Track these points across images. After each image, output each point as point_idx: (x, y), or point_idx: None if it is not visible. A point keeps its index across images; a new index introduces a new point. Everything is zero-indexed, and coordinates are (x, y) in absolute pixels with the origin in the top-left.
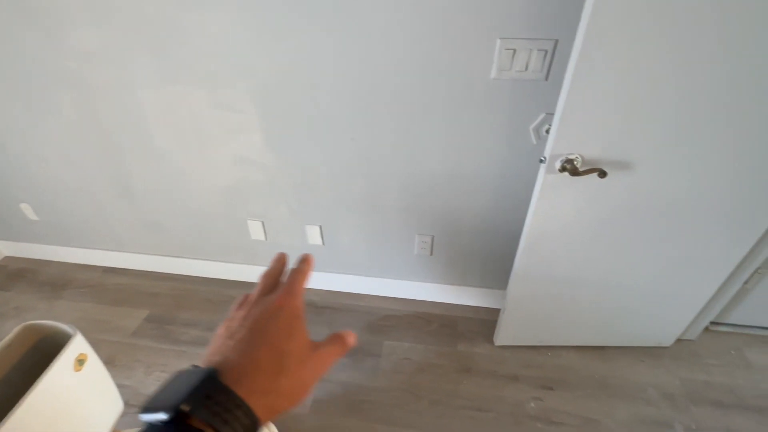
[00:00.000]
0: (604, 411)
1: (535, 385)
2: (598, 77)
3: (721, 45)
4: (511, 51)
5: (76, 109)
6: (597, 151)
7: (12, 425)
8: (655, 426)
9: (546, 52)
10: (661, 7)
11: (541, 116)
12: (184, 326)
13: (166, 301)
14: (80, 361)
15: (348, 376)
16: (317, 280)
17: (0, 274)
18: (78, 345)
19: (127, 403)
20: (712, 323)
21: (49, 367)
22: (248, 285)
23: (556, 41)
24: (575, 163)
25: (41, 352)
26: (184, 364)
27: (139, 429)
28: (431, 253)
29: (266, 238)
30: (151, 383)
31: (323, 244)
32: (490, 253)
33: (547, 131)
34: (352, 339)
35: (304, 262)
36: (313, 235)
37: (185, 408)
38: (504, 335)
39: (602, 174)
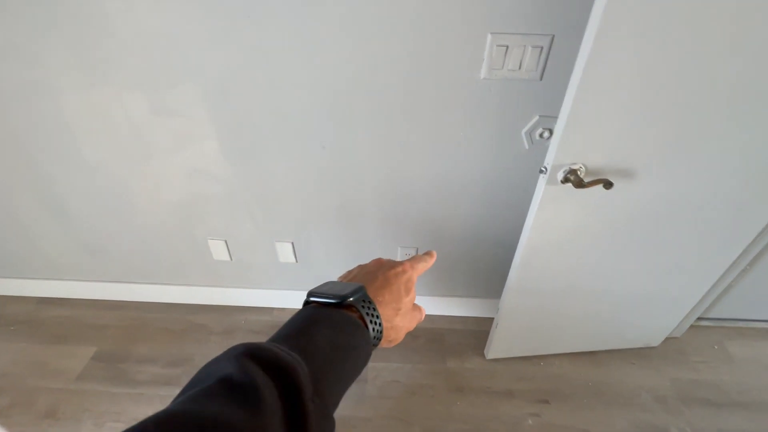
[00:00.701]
0: (603, 421)
1: (530, 400)
2: (608, 81)
3: (734, 50)
4: (504, 47)
5: None
6: (601, 159)
7: None
8: None
9: (541, 48)
10: (674, 11)
11: (535, 119)
12: (141, 363)
13: (116, 334)
14: None
15: None
16: (289, 300)
17: None
18: None
19: None
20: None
21: None
22: (216, 309)
23: (553, 37)
24: (579, 173)
25: None
26: (142, 411)
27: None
28: None
29: (231, 258)
30: None
31: (296, 261)
32: (477, 262)
33: (541, 135)
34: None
35: (429, 255)
36: (285, 253)
37: (350, 301)
38: (496, 349)
39: (608, 185)
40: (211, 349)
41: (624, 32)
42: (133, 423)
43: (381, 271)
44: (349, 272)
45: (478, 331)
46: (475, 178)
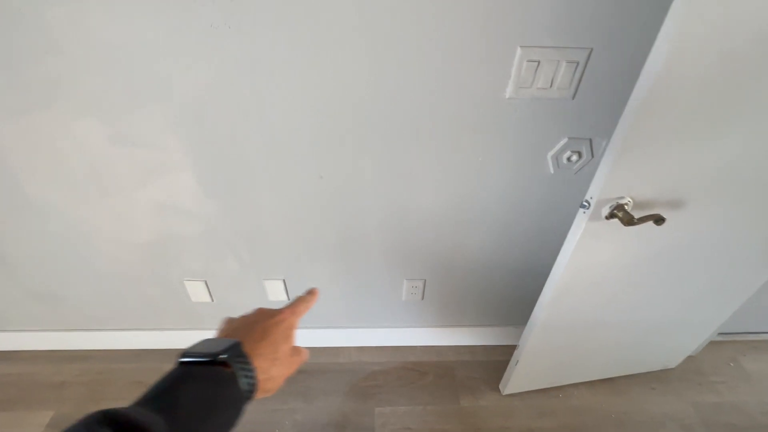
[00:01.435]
0: None
1: None
2: (670, 107)
3: None
4: (535, 63)
5: None
6: (650, 191)
7: None
8: None
9: (577, 64)
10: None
11: (563, 141)
12: None
13: (77, 393)
14: None
15: None
16: None
17: None
18: None
19: None
20: None
21: None
22: None
23: (591, 50)
24: (627, 208)
25: None
26: None
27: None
28: (422, 298)
29: (213, 299)
30: None
31: (288, 299)
32: (488, 290)
33: (569, 159)
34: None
35: (311, 294)
36: (275, 291)
37: (222, 358)
38: (513, 384)
39: (660, 221)
40: None
41: (703, 41)
42: None
43: (260, 322)
44: (231, 322)
45: (489, 361)
46: (490, 205)
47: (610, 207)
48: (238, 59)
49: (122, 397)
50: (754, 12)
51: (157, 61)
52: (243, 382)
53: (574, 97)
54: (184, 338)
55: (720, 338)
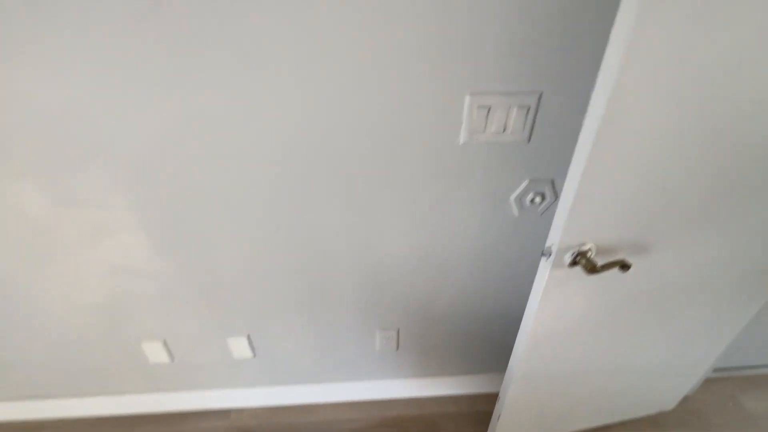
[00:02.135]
0: None
1: None
2: (623, 147)
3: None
4: (485, 109)
5: None
6: (614, 236)
7: None
8: None
9: (528, 108)
10: (697, 68)
11: (524, 183)
12: None
13: None
14: None
15: None
16: (250, 398)
17: None
18: None
19: None
20: None
21: None
22: (159, 419)
23: (541, 94)
24: (589, 255)
25: None
26: None
27: None
28: (397, 348)
29: (172, 359)
30: None
31: (254, 355)
32: (469, 337)
33: (532, 201)
34: None
35: None
36: (239, 348)
37: None
38: None
39: (625, 267)
40: None
41: (643, 94)
42: None
43: None
44: None
45: (475, 412)
46: (461, 250)
47: (572, 254)
48: (185, 113)
49: None
50: (689, 51)
51: (96, 120)
52: None
53: (529, 140)
54: (144, 402)
55: (716, 375)
